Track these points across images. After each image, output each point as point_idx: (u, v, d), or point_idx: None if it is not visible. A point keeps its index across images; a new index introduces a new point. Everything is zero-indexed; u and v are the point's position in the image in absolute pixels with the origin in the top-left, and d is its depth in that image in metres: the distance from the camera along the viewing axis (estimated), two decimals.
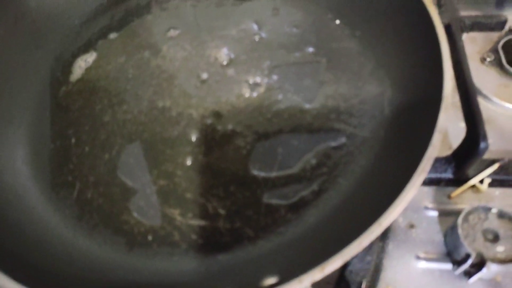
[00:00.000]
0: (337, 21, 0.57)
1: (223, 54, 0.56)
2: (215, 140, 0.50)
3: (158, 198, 0.47)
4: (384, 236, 0.46)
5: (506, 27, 0.61)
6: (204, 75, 0.55)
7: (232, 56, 0.56)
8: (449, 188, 0.49)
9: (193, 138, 0.50)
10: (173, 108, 0.53)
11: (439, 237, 0.46)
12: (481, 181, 0.49)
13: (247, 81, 0.54)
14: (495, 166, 0.49)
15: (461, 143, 0.49)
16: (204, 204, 0.46)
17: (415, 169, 0.37)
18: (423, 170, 0.37)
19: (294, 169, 0.48)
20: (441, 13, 0.56)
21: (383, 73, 0.52)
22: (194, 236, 0.45)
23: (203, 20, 0.60)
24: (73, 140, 0.51)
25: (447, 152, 0.50)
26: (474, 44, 0.61)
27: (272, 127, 0.50)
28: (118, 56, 0.57)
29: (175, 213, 0.46)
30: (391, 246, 0.46)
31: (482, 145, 0.45)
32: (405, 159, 0.41)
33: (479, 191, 0.49)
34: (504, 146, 0.53)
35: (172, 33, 0.59)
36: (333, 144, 0.49)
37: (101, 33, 0.60)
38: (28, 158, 0.51)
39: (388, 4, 0.52)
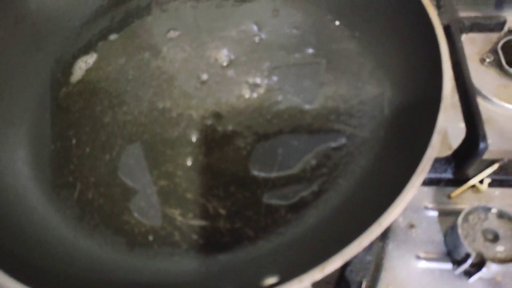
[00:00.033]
0: (337, 22, 0.57)
1: (223, 55, 0.56)
2: (215, 140, 0.50)
3: (159, 198, 0.47)
4: (384, 236, 0.47)
5: (505, 28, 0.61)
6: (204, 76, 0.55)
7: (232, 57, 0.56)
8: (449, 188, 0.49)
9: (193, 139, 0.50)
10: (173, 109, 0.53)
11: (439, 237, 0.46)
12: (481, 181, 0.49)
13: (247, 82, 0.54)
14: (495, 166, 0.49)
15: (461, 144, 0.49)
16: (205, 205, 0.46)
17: (415, 169, 0.37)
18: (423, 171, 0.37)
19: (294, 170, 0.48)
20: (440, 14, 0.57)
21: (382, 73, 0.52)
22: (194, 236, 0.45)
23: (203, 21, 0.60)
24: (73, 141, 0.52)
25: (447, 152, 0.50)
26: (473, 44, 0.61)
27: (272, 128, 0.50)
28: (118, 58, 0.57)
29: (176, 213, 0.46)
30: (391, 246, 0.46)
31: (481, 145, 0.45)
32: (405, 160, 0.41)
33: (479, 191, 0.49)
34: (503, 146, 0.53)
35: (172, 34, 0.59)
36: (333, 144, 0.49)
37: (101, 35, 0.60)
38: (29, 159, 0.51)
39: (388, 5, 0.52)
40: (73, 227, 0.46)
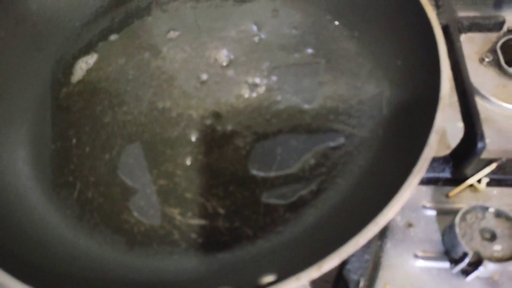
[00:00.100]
0: (336, 22, 0.58)
1: (223, 55, 0.57)
2: (214, 140, 0.50)
3: (158, 197, 0.47)
4: (383, 235, 0.47)
5: (504, 28, 0.61)
6: (204, 76, 0.55)
7: (232, 57, 0.57)
8: (447, 188, 0.49)
9: (193, 139, 0.51)
10: (173, 109, 0.53)
11: (437, 236, 0.46)
12: (479, 181, 0.49)
13: (246, 82, 0.54)
14: (493, 166, 0.49)
15: (459, 143, 0.49)
16: (204, 204, 0.46)
17: (413, 169, 0.38)
18: (420, 170, 0.37)
19: (293, 169, 0.48)
20: (439, 14, 0.57)
21: (381, 73, 0.52)
22: (193, 235, 0.45)
23: (203, 21, 0.60)
24: (73, 141, 0.52)
25: (445, 152, 0.50)
26: (472, 44, 0.61)
27: (271, 128, 0.51)
28: (118, 58, 0.58)
29: (175, 212, 0.46)
30: (389, 245, 0.46)
31: (479, 145, 0.45)
32: (403, 159, 0.41)
33: (477, 191, 0.49)
34: (502, 145, 0.53)
35: (172, 34, 0.59)
36: (332, 144, 0.49)
37: (102, 35, 0.60)
38: (29, 159, 0.51)
39: (387, 5, 0.52)
40: (73, 226, 0.47)
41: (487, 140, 0.46)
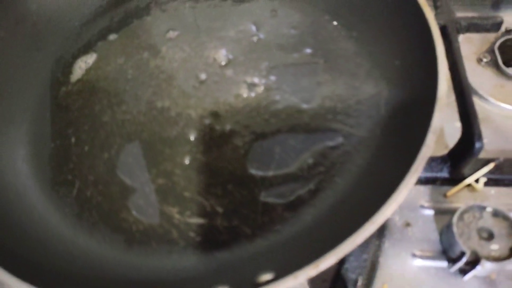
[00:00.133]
0: (334, 23, 0.58)
1: (222, 55, 0.57)
2: (213, 139, 0.51)
3: (157, 196, 0.48)
4: (381, 234, 0.47)
5: (502, 28, 0.61)
6: (203, 76, 0.56)
7: (231, 57, 0.57)
8: (445, 187, 0.49)
9: (192, 138, 0.51)
10: (172, 108, 0.53)
11: (434, 236, 0.47)
12: (477, 180, 0.49)
13: (245, 82, 0.55)
14: (491, 166, 0.49)
15: (456, 143, 0.49)
16: (202, 203, 0.47)
17: (410, 168, 0.38)
18: (417, 170, 0.37)
19: (291, 169, 0.48)
20: (437, 15, 0.57)
21: (379, 73, 0.52)
22: (192, 234, 0.45)
23: (202, 21, 0.60)
24: (73, 140, 0.52)
25: (443, 152, 0.50)
26: (470, 44, 0.62)
27: (270, 127, 0.51)
28: (117, 57, 0.58)
29: (174, 211, 0.46)
30: (387, 244, 0.46)
31: (477, 144, 0.45)
32: (400, 159, 0.41)
33: (475, 190, 0.49)
34: (499, 145, 0.53)
35: (171, 34, 0.59)
36: (330, 144, 0.49)
37: (101, 35, 0.60)
38: (29, 157, 0.51)
39: (385, 6, 0.52)
40: (72, 225, 0.47)
41: (485, 140, 0.46)
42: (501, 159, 0.50)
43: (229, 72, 0.56)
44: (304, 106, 0.52)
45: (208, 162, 0.49)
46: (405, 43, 0.50)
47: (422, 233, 0.47)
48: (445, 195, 0.49)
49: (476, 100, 0.55)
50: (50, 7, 0.59)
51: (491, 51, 0.60)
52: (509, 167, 0.49)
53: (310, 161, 0.48)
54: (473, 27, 0.61)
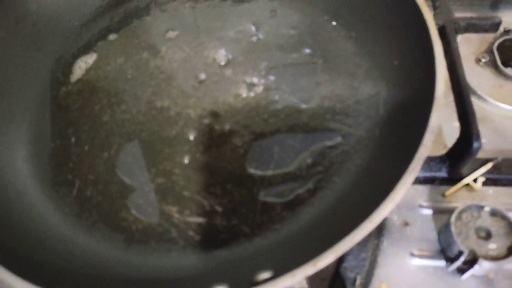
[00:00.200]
0: (334, 23, 0.58)
1: (221, 55, 0.57)
2: (212, 139, 0.51)
3: (156, 196, 0.48)
4: (379, 233, 0.47)
5: (501, 28, 0.61)
6: (202, 76, 0.56)
7: (230, 57, 0.57)
8: (443, 187, 0.49)
9: (191, 138, 0.51)
10: (171, 108, 0.53)
11: (433, 235, 0.47)
12: (475, 180, 0.49)
13: (244, 82, 0.55)
14: (489, 165, 0.49)
15: (455, 143, 0.49)
16: (202, 202, 0.47)
17: (407, 168, 0.38)
18: (414, 169, 0.38)
19: (290, 168, 0.48)
20: (436, 15, 0.57)
21: (378, 73, 0.53)
22: (191, 233, 0.45)
23: (202, 21, 0.60)
24: (72, 139, 0.52)
25: (442, 151, 0.51)
26: (469, 45, 0.62)
27: (269, 127, 0.51)
28: (117, 57, 0.58)
29: (173, 210, 0.47)
30: (385, 244, 0.47)
31: (475, 144, 0.46)
32: (399, 158, 0.41)
33: (473, 190, 0.49)
34: (497, 145, 0.53)
35: (171, 34, 0.60)
36: (329, 143, 0.49)
37: (101, 35, 0.61)
38: (29, 157, 0.51)
39: (384, 6, 0.53)
40: (72, 224, 0.47)
41: (483, 140, 0.46)
42: (499, 159, 0.50)
43: (228, 72, 0.56)
44: (303, 106, 0.52)
45: (208, 162, 0.49)
46: (404, 43, 0.50)
47: (420, 233, 0.47)
48: (443, 195, 0.49)
49: (474, 100, 0.55)
50: (50, 7, 0.59)
51: (489, 51, 0.60)
52: (507, 167, 0.50)
53: (309, 160, 0.48)
54: (472, 27, 0.61)
